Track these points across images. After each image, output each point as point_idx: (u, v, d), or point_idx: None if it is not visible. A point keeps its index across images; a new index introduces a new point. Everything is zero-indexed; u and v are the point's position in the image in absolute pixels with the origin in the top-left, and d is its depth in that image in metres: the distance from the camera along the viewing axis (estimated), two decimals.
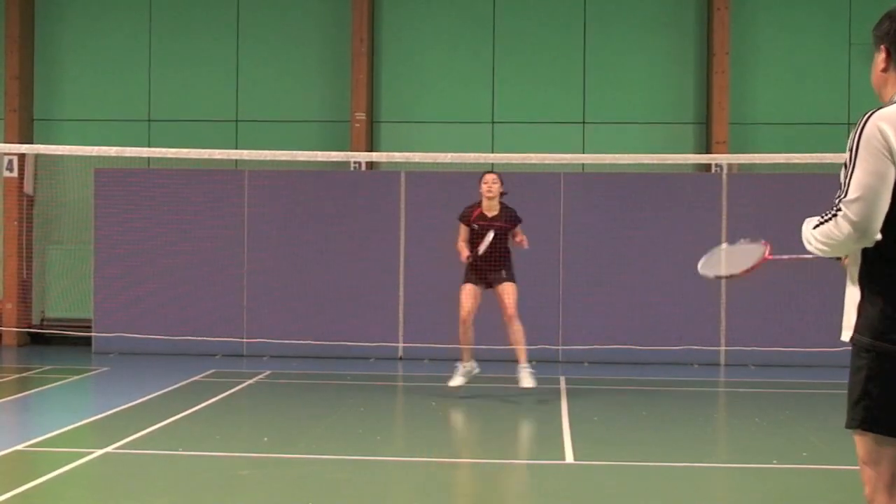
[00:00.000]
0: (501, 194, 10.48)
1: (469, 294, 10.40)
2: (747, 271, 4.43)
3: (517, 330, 10.35)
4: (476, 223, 10.41)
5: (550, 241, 13.72)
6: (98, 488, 6.88)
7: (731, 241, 4.51)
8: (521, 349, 10.39)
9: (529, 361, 10.59)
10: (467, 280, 10.46)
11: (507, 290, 10.36)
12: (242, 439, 8.40)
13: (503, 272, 10.39)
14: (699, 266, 4.57)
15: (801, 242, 3.83)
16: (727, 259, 4.49)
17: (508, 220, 10.45)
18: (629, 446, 8.29)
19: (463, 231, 10.50)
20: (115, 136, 14.97)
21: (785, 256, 4.29)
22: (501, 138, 15.21)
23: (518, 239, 10.40)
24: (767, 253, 4.38)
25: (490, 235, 10.25)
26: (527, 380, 10.29)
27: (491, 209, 10.45)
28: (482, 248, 10.24)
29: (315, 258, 14.03)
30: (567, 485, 7.02)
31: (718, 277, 4.49)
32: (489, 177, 10.52)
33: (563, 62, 15.23)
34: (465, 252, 10.37)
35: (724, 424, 9.88)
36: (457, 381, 10.52)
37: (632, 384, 11.89)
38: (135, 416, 9.33)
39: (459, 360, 10.64)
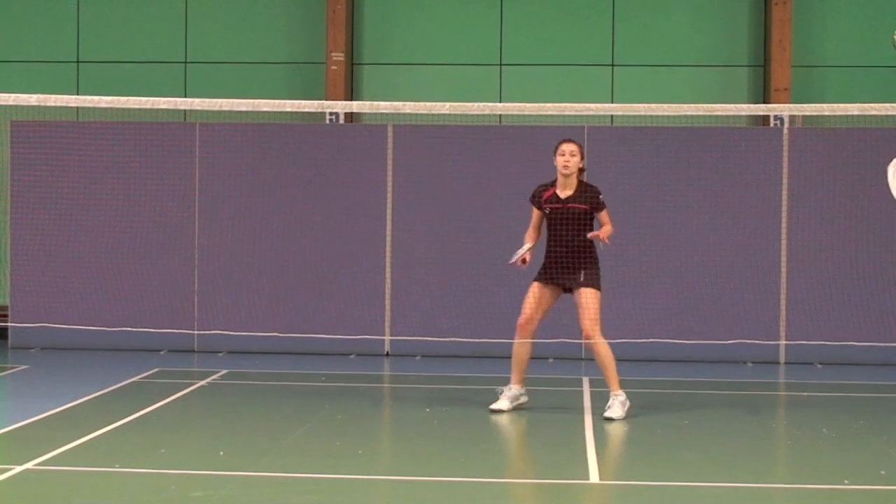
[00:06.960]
0: (580, 170, 10.04)
1: (534, 295, 10.02)
2: None
3: (597, 353, 9.95)
4: (548, 206, 10.00)
5: None
6: None
7: None
8: (609, 374, 9.91)
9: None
10: (538, 277, 10.06)
11: (584, 299, 9.91)
12: (194, 454, 8.39)
13: (581, 273, 9.87)
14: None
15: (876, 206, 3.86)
16: None
17: (588, 201, 9.96)
18: (667, 463, 8.27)
19: (535, 217, 10.13)
20: (37, 81, 14.91)
21: None
22: (512, 84, 15.15)
23: (597, 233, 9.85)
24: None
25: (525, 248, 9.94)
26: (615, 410, 9.79)
27: (566, 188, 10.01)
28: (515, 258, 9.91)
29: (283, 232, 14.00)
30: None
31: None
32: (567, 147, 10.04)
33: None
34: (522, 250, 9.97)
35: (783, 436, 9.88)
36: (499, 403, 10.04)
37: (670, 386, 11.88)
38: (61, 424, 9.31)
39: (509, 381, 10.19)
